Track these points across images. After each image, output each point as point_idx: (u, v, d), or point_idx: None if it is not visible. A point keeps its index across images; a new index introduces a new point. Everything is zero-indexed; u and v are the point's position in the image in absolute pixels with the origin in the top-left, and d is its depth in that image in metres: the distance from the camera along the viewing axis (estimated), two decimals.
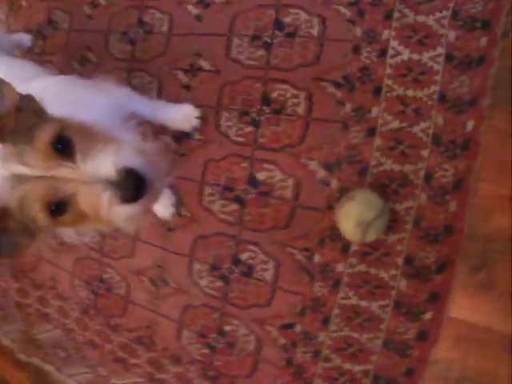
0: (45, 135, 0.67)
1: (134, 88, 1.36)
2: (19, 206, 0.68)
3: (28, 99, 0.74)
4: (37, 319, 1.65)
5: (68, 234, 0.92)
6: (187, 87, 1.32)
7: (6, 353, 1.69)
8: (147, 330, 1.40)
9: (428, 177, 1.04)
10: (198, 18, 1.32)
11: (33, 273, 1.64)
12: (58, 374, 1.59)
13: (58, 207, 0.68)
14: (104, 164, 0.66)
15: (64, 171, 0.66)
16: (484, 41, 1.00)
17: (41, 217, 0.68)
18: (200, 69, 1.30)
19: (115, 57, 1.45)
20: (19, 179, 0.66)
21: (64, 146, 0.68)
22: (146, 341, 1.40)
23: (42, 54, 1.60)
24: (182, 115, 1.26)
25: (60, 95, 0.98)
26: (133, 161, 0.68)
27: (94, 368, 1.51)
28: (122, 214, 0.69)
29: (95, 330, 1.51)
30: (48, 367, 1.61)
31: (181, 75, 1.33)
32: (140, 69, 1.40)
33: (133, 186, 0.66)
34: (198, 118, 1.27)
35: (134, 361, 1.44)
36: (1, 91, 0.69)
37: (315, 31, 1.17)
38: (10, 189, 0.67)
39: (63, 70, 1.51)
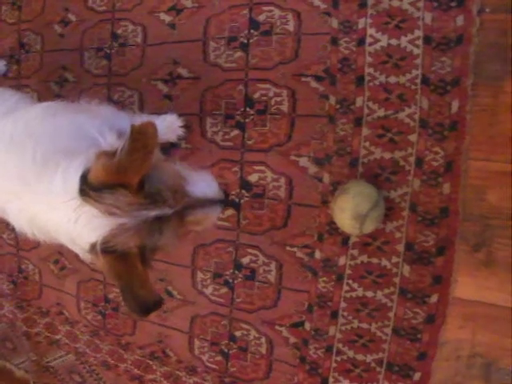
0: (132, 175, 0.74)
1: (116, 103, 1.35)
2: None
3: None
4: (47, 347, 1.65)
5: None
6: (169, 97, 1.31)
7: None
8: (159, 345, 1.40)
9: (419, 161, 1.04)
10: (172, 25, 1.30)
11: (37, 300, 1.63)
12: None
13: None
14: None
15: None
16: (460, 19, 1.00)
17: None
18: (179, 77, 1.29)
19: (93, 73, 1.43)
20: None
21: None
22: (159, 355, 1.41)
23: (18, 78, 1.58)
24: (165, 126, 1.25)
25: (45, 124, 0.95)
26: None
27: None
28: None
29: (107, 351, 1.51)
30: None
31: (161, 85, 1.32)
32: (119, 83, 1.38)
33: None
34: (182, 126, 1.26)
35: (150, 376, 1.44)
36: None
37: (291, 27, 1.15)
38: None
39: (42, 92, 1.50)
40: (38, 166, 0.82)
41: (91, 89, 1.43)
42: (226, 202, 0.96)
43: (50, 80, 1.51)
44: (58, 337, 1.61)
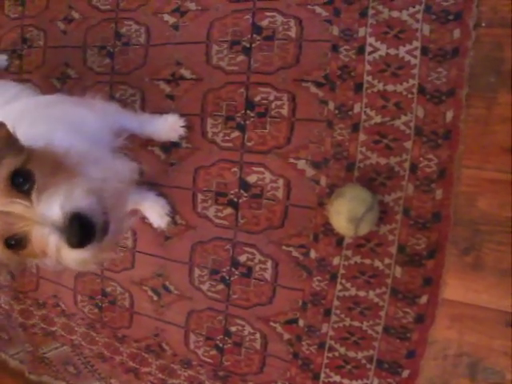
0: (2, 170, 0.67)
1: (118, 101, 1.37)
2: None
3: None
4: (43, 338, 1.67)
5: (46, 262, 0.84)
6: (171, 97, 1.33)
7: (15, 375, 1.71)
8: (155, 338, 1.43)
9: (413, 168, 1.08)
10: (175, 27, 1.32)
11: (34, 292, 1.65)
12: None
13: (18, 242, 0.68)
14: (53, 206, 0.65)
15: (18, 208, 0.65)
16: (457, 32, 1.04)
17: None
18: (182, 78, 1.32)
19: (95, 71, 1.45)
20: None
21: (24, 180, 0.68)
22: (155, 349, 1.44)
23: (19, 73, 1.59)
24: (167, 126, 1.28)
25: (43, 115, 0.98)
26: (83, 203, 0.66)
27: (106, 380, 1.54)
28: (71, 257, 0.69)
29: (103, 343, 1.54)
30: (59, 383, 1.63)
31: (163, 85, 1.34)
32: (121, 82, 1.40)
33: (78, 231, 0.65)
34: (183, 126, 1.29)
35: (145, 369, 1.47)
36: None
37: (293, 33, 1.19)
38: None
39: (43, 88, 1.51)
40: None
41: (93, 86, 1.45)
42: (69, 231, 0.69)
43: (52, 76, 1.53)
44: (53, 329, 1.63)
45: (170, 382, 1.43)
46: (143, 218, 1.36)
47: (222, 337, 1.33)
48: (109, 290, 1.48)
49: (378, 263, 1.13)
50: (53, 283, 1.59)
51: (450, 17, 1.04)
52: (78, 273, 1.52)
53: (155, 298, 1.40)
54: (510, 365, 1.06)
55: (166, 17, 1.34)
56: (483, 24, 1.04)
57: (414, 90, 1.08)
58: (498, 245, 1.05)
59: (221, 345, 1.33)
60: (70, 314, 1.59)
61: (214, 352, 1.34)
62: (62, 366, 1.63)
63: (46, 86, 1.52)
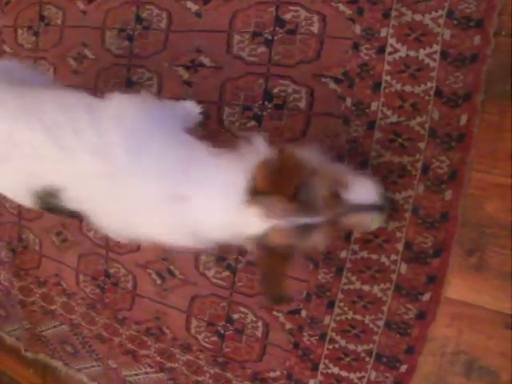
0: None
1: (134, 84, 1.38)
2: None
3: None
4: (42, 316, 1.67)
5: None
6: (188, 83, 1.34)
7: (11, 352, 1.70)
8: (156, 322, 1.44)
9: (425, 168, 1.11)
10: (198, 14, 1.34)
11: (36, 270, 1.65)
12: (66, 368, 1.62)
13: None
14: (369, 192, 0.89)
15: None
16: (477, 39, 1.06)
17: None
18: (201, 65, 1.33)
19: (113, 53, 1.46)
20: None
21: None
22: (155, 332, 1.45)
23: (35, 50, 1.58)
24: (184, 112, 1.27)
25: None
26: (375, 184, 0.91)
27: (104, 361, 1.55)
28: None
29: (103, 324, 1.54)
30: (56, 363, 1.63)
31: (182, 71, 1.35)
32: (139, 65, 1.41)
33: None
34: (200, 113, 1.29)
35: (143, 352, 1.48)
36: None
37: (315, 28, 1.21)
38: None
39: (58, 67, 1.51)
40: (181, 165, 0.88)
41: (110, 68, 1.45)
42: (385, 207, 0.94)
43: (68, 55, 1.53)
44: (53, 307, 1.63)
45: (168, 366, 1.44)
46: None
47: (223, 323, 1.34)
48: (112, 271, 1.49)
49: (384, 259, 1.15)
50: (55, 261, 1.59)
51: (471, 23, 1.06)
52: (82, 252, 1.52)
53: (159, 281, 1.41)
54: (506, 365, 1.09)
55: (189, 4, 1.35)
56: (503, 33, 1.06)
57: (431, 93, 1.10)
58: (501, 248, 1.07)
59: (222, 331, 1.35)
60: (70, 293, 1.59)
61: (214, 338, 1.36)
62: (59, 345, 1.63)
63: (61, 65, 1.52)
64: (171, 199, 0.86)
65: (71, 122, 0.89)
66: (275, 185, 0.82)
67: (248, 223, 0.84)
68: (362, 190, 0.89)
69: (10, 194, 1.05)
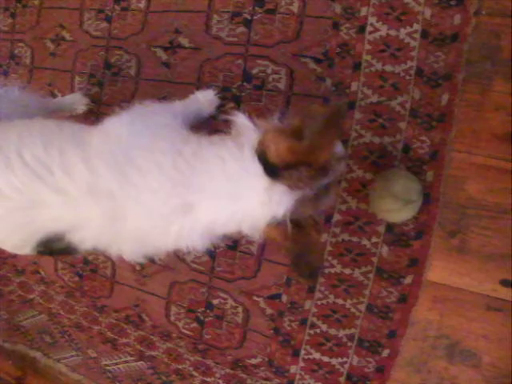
0: None
1: (112, 67, 1.35)
2: None
3: None
4: (20, 305, 1.63)
5: None
6: (167, 64, 1.32)
7: None
8: (135, 309, 1.41)
9: (406, 148, 1.09)
10: None
11: (13, 259, 1.61)
12: (45, 359, 1.59)
13: None
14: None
15: None
16: (458, 18, 1.04)
17: None
18: (180, 46, 1.30)
19: (91, 34, 1.43)
20: None
21: None
22: (134, 319, 1.42)
23: (11, 33, 1.55)
24: (207, 100, 1.23)
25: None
26: None
27: (83, 350, 1.52)
28: None
29: (82, 313, 1.51)
30: (35, 353, 1.60)
31: (160, 52, 1.33)
32: (118, 47, 1.38)
33: None
34: (216, 95, 1.24)
35: (123, 340, 1.45)
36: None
37: (295, 8, 1.18)
38: None
39: (36, 49, 1.47)
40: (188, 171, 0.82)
41: (88, 50, 1.42)
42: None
43: (45, 37, 1.50)
44: (31, 296, 1.60)
45: (148, 354, 1.41)
46: None
47: (203, 309, 1.32)
48: (91, 258, 1.46)
49: (365, 241, 1.14)
50: None
51: (452, 2, 1.05)
52: None
53: (138, 267, 1.38)
54: (487, 348, 1.08)
55: None
56: (483, 12, 1.05)
57: (412, 72, 1.08)
58: (483, 229, 1.06)
59: (202, 318, 1.32)
60: (49, 281, 1.56)
61: (194, 325, 1.33)
62: (38, 335, 1.60)
63: (39, 47, 1.49)
64: (178, 212, 0.81)
65: (60, 160, 0.83)
66: (305, 155, 0.76)
67: (273, 207, 0.78)
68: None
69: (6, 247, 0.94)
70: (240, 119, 0.87)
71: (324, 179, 0.80)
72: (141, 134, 0.87)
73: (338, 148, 0.90)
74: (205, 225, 0.82)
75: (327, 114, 0.74)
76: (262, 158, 0.78)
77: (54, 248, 0.86)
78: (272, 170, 0.77)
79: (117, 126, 0.90)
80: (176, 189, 0.80)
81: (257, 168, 0.78)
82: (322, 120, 0.74)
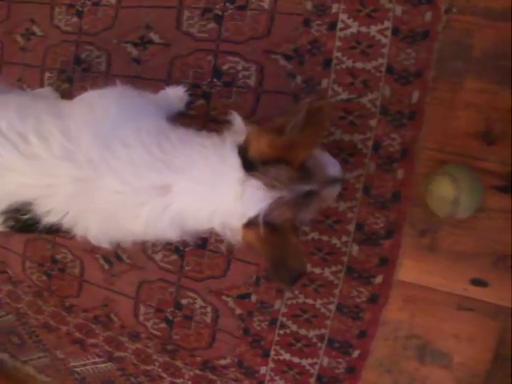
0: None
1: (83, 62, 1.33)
2: None
3: None
4: None
5: None
6: (137, 60, 1.30)
7: None
8: (104, 309, 1.39)
9: (376, 146, 1.08)
10: None
11: None
12: (12, 360, 1.56)
13: None
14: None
15: None
16: (429, 15, 1.04)
17: None
18: (150, 42, 1.28)
19: (62, 30, 1.40)
20: None
21: None
22: (103, 319, 1.40)
23: None
24: (177, 97, 1.22)
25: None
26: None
27: (51, 351, 1.50)
28: None
29: (50, 313, 1.49)
30: (2, 355, 1.57)
31: (130, 48, 1.31)
32: (88, 42, 1.36)
33: None
34: (186, 91, 1.23)
35: (91, 341, 1.43)
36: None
37: (266, 4, 1.17)
38: None
39: (6, 44, 1.45)
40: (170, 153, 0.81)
41: (58, 45, 1.40)
42: (343, 181, 1.03)
43: (15, 32, 1.47)
44: None
45: (117, 355, 1.39)
46: None
47: (172, 309, 1.30)
48: (59, 257, 1.43)
49: (335, 240, 1.12)
50: (1, 248, 1.53)
51: (423, 0, 1.05)
52: (28, 237, 1.46)
53: (106, 266, 1.36)
54: (458, 348, 1.07)
55: None
56: (454, 10, 1.05)
57: (383, 69, 1.08)
58: (453, 228, 1.06)
59: (171, 317, 1.30)
60: (16, 281, 1.53)
61: (163, 325, 1.31)
62: (5, 336, 1.57)
63: (8, 43, 1.46)
64: (153, 191, 0.79)
65: (35, 128, 0.81)
66: (285, 151, 0.75)
67: (246, 203, 0.76)
68: (331, 164, 0.88)
69: None
70: (237, 120, 0.85)
71: (305, 184, 0.78)
72: (129, 114, 0.86)
73: (335, 170, 0.89)
74: (177, 211, 0.80)
75: (310, 111, 0.73)
76: (242, 151, 0.77)
77: (22, 222, 0.84)
78: (250, 164, 0.76)
79: (104, 101, 0.88)
80: (156, 164, 0.79)
81: (234, 160, 0.77)
82: (303, 116, 0.73)
